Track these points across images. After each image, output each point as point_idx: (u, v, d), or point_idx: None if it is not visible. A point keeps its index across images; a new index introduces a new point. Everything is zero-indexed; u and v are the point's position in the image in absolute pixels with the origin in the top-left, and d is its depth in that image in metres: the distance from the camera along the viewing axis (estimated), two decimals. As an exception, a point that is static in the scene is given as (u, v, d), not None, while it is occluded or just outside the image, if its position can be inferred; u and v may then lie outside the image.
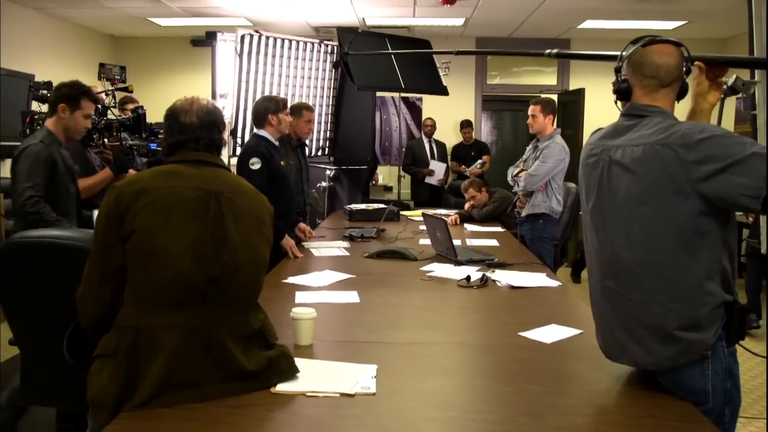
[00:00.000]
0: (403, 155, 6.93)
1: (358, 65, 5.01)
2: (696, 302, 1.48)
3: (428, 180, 6.82)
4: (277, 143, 3.65)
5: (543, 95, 6.77)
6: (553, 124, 4.16)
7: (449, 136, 7.66)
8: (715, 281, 1.48)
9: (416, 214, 5.11)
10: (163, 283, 1.50)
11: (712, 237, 1.47)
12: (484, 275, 2.81)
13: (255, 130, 3.64)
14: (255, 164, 3.30)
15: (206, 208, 1.56)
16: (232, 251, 1.56)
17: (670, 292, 1.50)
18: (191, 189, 1.57)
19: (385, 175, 7.94)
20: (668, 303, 1.50)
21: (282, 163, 3.54)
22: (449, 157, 7.33)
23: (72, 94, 2.88)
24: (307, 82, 6.10)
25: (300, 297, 2.52)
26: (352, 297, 2.54)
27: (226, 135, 2.25)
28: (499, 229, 4.59)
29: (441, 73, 5.81)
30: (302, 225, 3.77)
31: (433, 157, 6.96)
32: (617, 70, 1.64)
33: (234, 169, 3.28)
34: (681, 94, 1.63)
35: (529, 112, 4.13)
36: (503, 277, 2.88)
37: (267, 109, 3.51)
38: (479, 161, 6.96)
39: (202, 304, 1.53)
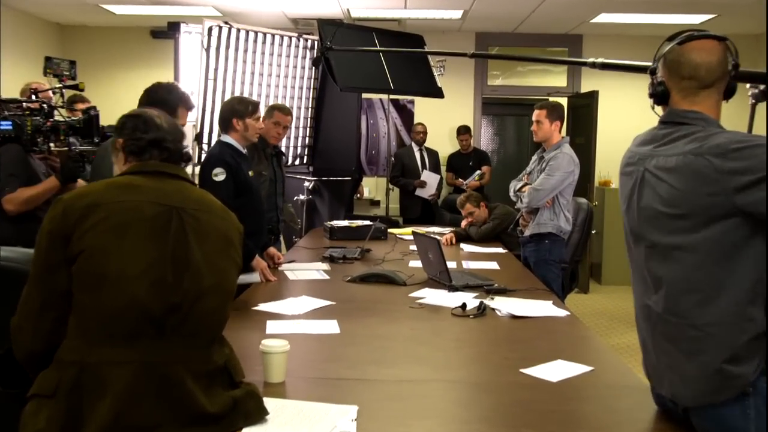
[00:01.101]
0: (391, 165, 6.96)
1: (342, 63, 5.05)
2: (735, 327, 1.50)
3: (419, 193, 6.85)
4: (244, 150, 3.66)
5: (551, 98, 6.86)
6: (560, 132, 4.20)
7: (444, 144, 7.71)
8: (758, 306, 1.50)
9: (406, 233, 5.13)
10: (114, 312, 1.49)
11: (751, 252, 1.49)
12: (481, 303, 2.83)
13: (220, 137, 3.66)
14: (219, 175, 3.30)
15: (167, 226, 1.56)
16: (195, 276, 1.56)
17: (707, 313, 1.51)
18: (150, 204, 1.57)
19: (371, 187, 7.97)
20: (705, 326, 1.51)
21: (250, 173, 3.55)
22: (444, 168, 7.38)
23: None
24: (284, 81, 6.13)
25: (271, 327, 2.52)
26: (331, 327, 2.54)
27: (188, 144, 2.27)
28: (500, 250, 4.61)
29: (435, 73, 5.86)
30: (272, 250, 3.78)
31: (425, 168, 7.00)
32: (652, 72, 1.66)
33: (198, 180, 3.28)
34: (728, 94, 1.63)
35: (534, 118, 4.17)
36: (504, 305, 2.89)
37: (233, 112, 3.52)
38: (478, 172, 7.01)
39: (159, 337, 1.52)
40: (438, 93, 5.78)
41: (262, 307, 2.83)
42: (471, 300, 2.94)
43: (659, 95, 1.65)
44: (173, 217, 1.58)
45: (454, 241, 4.90)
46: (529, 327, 2.63)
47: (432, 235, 3.69)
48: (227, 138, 3.56)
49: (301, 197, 6.25)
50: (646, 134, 1.74)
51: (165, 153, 1.68)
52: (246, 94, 5.61)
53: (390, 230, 5.26)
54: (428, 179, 6.87)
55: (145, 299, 1.50)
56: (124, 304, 1.49)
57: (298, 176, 6.48)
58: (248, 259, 3.31)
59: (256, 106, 3.61)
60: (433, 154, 7.19)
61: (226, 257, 1.64)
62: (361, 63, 5.34)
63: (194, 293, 1.56)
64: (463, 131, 7.31)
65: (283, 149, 6.06)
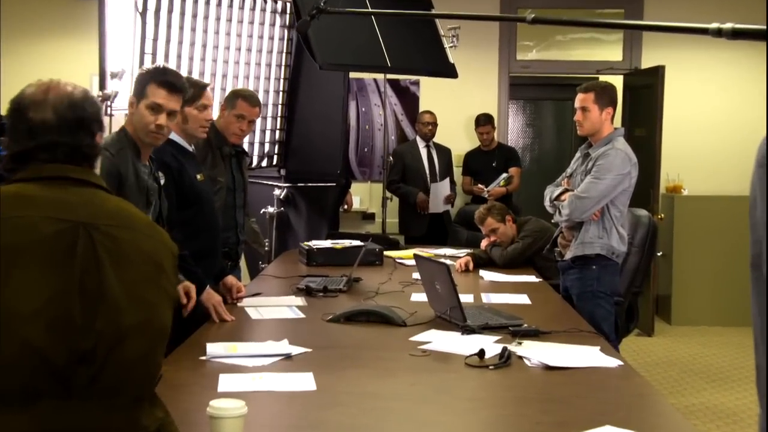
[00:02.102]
0: (389, 167, 6.98)
1: (322, 32, 5.06)
2: None
3: (431, 208, 6.86)
4: (190, 148, 3.67)
5: (601, 78, 6.87)
6: (612, 122, 4.22)
7: (459, 138, 7.73)
8: None
9: (408, 256, 5.14)
10: (2, 363, 1.49)
11: None
12: (505, 349, 2.83)
13: None
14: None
15: (71, 249, 1.57)
16: (112, 313, 1.57)
17: None
18: (49, 221, 1.57)
19: (363, 196, 7.99)
20: None
21: (199, 176, 3.56)
22: (459, 170, 7.39)
23: None
24: (245, 56, 6.16)
25: (225, 383, 2.51)
26: (304, 382, 2.54)
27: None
28: (531, 278, 4.61)
29: (447, 45, 5.88)
30: (230, 279, 3.78)
31: (433, 170, 7.03)
32: (720, 34, 1.63)
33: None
34: None
35: (578, 104, 4.18)
36: (535, 352, 2.89)
37: None
38: (503, 176, 7.04)
39: (65, 396, 1.52)
40: (449, 71, 5.80)
41: (214, 355, 2.81)
42: (491, 345, 2.94)
43: None
44: (80, 236, 1.58)
45: (471, 266, 4.90)
46: (569, 382, 2.62)
47: (441, 260, 3.69)
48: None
49: (270, 210, 6.26)
50: None
51: (60, 154, 1.68)
52: (195, 74, 5.63)
53: (387, 253, 5.26)
54: (440, 191, 6.87)
55: (43, 345, 1.50)
56: (15, 352, 1.48)
57: (265, 182, 6.49)
58: (197, 290, 3.31)
59: (201, 89, 3.61)
60: (445, 153, 7.22)
61: (154, 287, 1.65)
62: (348, 32, 5.36)
63: (112, 336, 1.56)
64: (483, 121, 7.34)
65: (246, 147, 6.08)
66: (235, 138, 4.17)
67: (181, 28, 5.66)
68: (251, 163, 6.22)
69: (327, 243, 5.14)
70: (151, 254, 1.67)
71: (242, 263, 6.35)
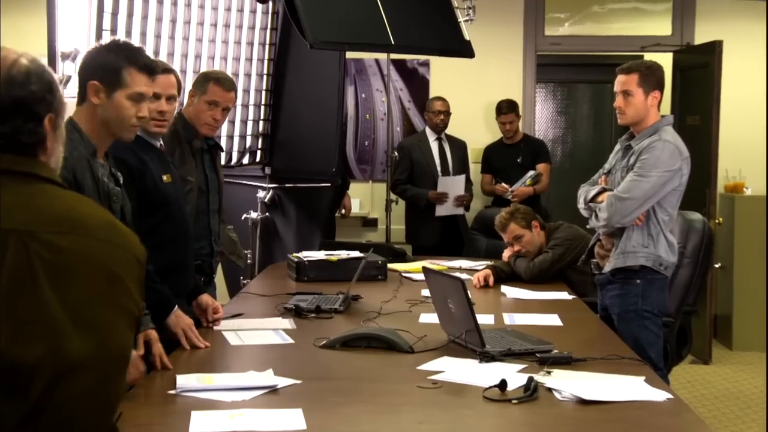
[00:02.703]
0: (394, 164, 6.98)
1: (313, 5, 5.09)
2: None
3: (438, 212, 6.90)
4: (157, 143, 3.67)
5: (646, 56, 6.86)
6: (659, 108, 4.22)
7: (476, 129, 7.73)
8: None
9: (416, 270, 5.14)
10: None
11: None
12: (531, 379, 2.82)
13: None
14: None
15: None
16: (51, 339, 1.55)
17: None
18: None
19: (363, 198, 8.00)
20: None
21: (165, 177, 3.57)
22: (478, 167, 7.40)
23: None
24: (222, 33, 6.16)
25: (198, 422, 2.51)
26: (292, 420, 2.53)
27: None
28: (563, 295, 4.60)
29: (461, 18, 5.90)
30: (205, 298, 3.79)
31: (445, 167, 7.04)
32: None
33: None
34: None
35: (618, 88, 4.17)
36: (566, 383, 2.88)
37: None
38: (530, 174, 7.05)
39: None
40: (464, 50, 5.82)
41: (185, 388, 2.82)
42: (515, 375, 2.93)
43: None
44: (9, 246, 1.55)
45: (491, 281, 4.90)
46: (607, 419, 2.61)
47: (454, 274, 3.70)
48: None
49: (253, 215, 6.28)
50: None
51: None
52: (163, 55, 5.65)
53: (391, 266, 5.26)
54: (449, 187, 6.89)
55: None
56: None
57: (247, 183, 6.50)
58: (163, 312, 3.32)
59: (153, 67, 3.46)
60: (459, 147, 7.25)
61: (108, 304, 1.63)
62: (345, 4, 5.39)
63: (52, 367, 1.54)
64: (506, 109, 7.36)
65: (223, 141, 6.10)
66: (208, 129, 4.18)
67: (145, 0, 5.67)
68: (229, 159, 6.23)
69: (320, 254, 5.14)
70: (104, 264, 1.64)
71: (219, 279, 6.40)
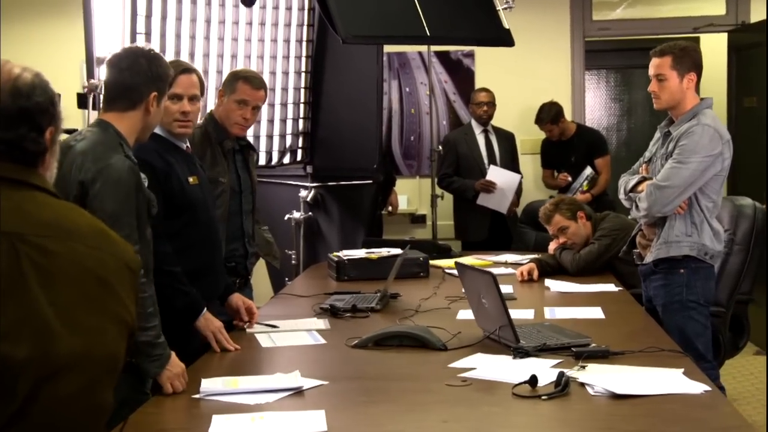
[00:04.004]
0: (439, 158, 6.95)
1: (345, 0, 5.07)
2: None
3: (484, 202, 6.83)
4: (183, 145, 3.67)
5: (702, 38, 6.74)
6: (697, 91, 4.14)
7: (526, 121, 7.64)
8: None
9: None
10: None
11: None
12: (562, 375, 2.78)
13: None
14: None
15: None
16: (40, 340, 1.56)
17: None
18: None
19: (411, 195, 7.96)
20: None
21: (191, 179, 3.58)
22: (528, 159, 7.35)
23: None
24: (258, 32, 6.17)
25: (218, 425, 2.52)
26: (313, 423, 2.53)
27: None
28: (609, 287, 4.57)
29: (500, 6, 5.84)
30: (235, 299, 3.79)
31: (493, 160, 7.01)
32: None
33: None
34: None
35: (652, 71, 4.14)
36: (600, 377, 2.85)
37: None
38: (586, 175, 6.95)
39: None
40: (504, 38, 5.75)
41: (208, 392, 2.83)
42: (548, 371, 2.91)
43: None
44: (2, 249, 1.59)
45: (536, 275, 4.88)
46: (639, 414, 2.57)
47: (492, 269, 3.68)
48: None
49: (296, 215, 6.28)
50: None
51: None
52: (199, 56, 5.67)
53: (434, 262, 5.23)
54: (499, 178, 6.83)
55: None
56: None
57: (289, 182, 6.51)
58: (192, 315, 3.33)
59: (174, 72, 3.46)
60: (507, 138, 7.20)
61: (97, 309, 1.65)
62: (376, -5, 5.36)
63: (40, 367, 1.56)
64: (546, 120, 7.18)
65: (263, 140, 6.12)
66: (238, 129, 4.17)
67: (179, 1, 5.69)
68: (270, 159, 6.25)
69: (360, 253, 5.16)
70: (94, 270, 1.68)
71: (264, 280, 6.44)
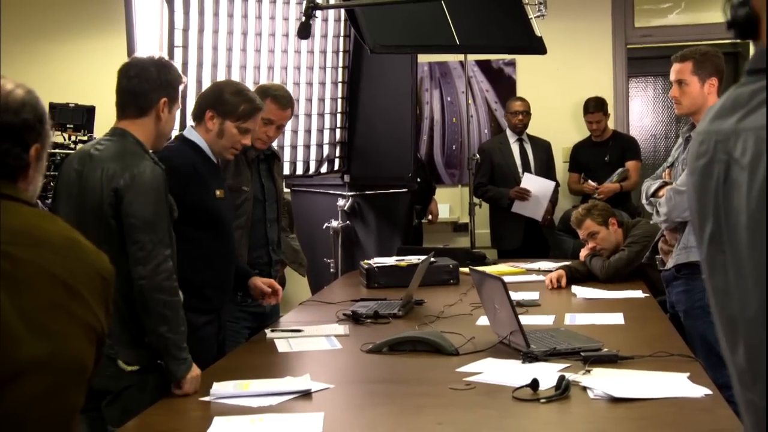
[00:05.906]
0: (476, 167, 6.98)
1: (374, 10, 5.13)
2: None
3: (519, 210, 6.85)
4: (215, 159, 3.75)
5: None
6: (718, 96, 4.13)
7: (566, 129, 7.66)
8: None
9: (493, 272, 5.10)
10: None
11: None
12: (562, 378, 2.80)
13: (186, 129, 3.83)
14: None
15: None
16: (3, 344, 1.60)
17: None
18: None
19: (453, 203, 7.98)
20: None
21: (218, 192, 3.65)
22: (566, 166, 7.34)
23: None
24: (295, 43, 6.24)
25: (217, 427, 2.57)
26: (310, 424, 2.58)
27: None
28: (636, 293, 4.56)
29: (532, 15, 5.86)
30: (255, 279, 3.91)
31: (527, 169, 7.01)
32: None
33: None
34: None
35: (673, 77, 4.11)
36: (602, 381, 2.86)
37: (215, 102, 3.67)
38: (618, 171, 6.95)
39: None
40: (536, 47, 5.76)
41: (216, 393, 2.89)
42: (553, 375, 2.91)
43: (741, 24, 1.60)
44: None
45: (563, 282, 4.89)
46: (636, 417, 2.58)
47: (495, 274, 3.72)
48: (194, 134, 3.70)
49: (334, 224, 6.33)
50: (724, 99, 1.67)
51: None
52: (236, 67, 5.76)
53: (463, 269, 5.27)
54: (534, 186, 6.85)
55: None
56: None
57: (327, 191, 6.57)
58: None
59: (254, 109, 3.67)
60: (542, 147, 7.21)
61: (63, 315, 1.69)
62: (405, 7, 5.40)
63: (3, 370, 1.60)
64: (593, 108, 7.24)
65: (300, 150, 6.19)
66: (260, 144, 4.18)
67: (216, 14, 5.79)
68: (307, 169, 6.32)
69: (391, 260, 5.21)
70: (62, 277, 1.71)
71: (304, 287, 6.52)
